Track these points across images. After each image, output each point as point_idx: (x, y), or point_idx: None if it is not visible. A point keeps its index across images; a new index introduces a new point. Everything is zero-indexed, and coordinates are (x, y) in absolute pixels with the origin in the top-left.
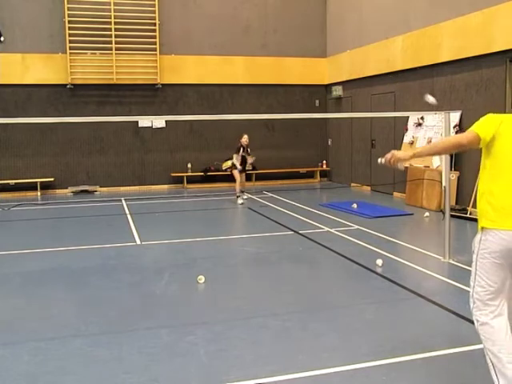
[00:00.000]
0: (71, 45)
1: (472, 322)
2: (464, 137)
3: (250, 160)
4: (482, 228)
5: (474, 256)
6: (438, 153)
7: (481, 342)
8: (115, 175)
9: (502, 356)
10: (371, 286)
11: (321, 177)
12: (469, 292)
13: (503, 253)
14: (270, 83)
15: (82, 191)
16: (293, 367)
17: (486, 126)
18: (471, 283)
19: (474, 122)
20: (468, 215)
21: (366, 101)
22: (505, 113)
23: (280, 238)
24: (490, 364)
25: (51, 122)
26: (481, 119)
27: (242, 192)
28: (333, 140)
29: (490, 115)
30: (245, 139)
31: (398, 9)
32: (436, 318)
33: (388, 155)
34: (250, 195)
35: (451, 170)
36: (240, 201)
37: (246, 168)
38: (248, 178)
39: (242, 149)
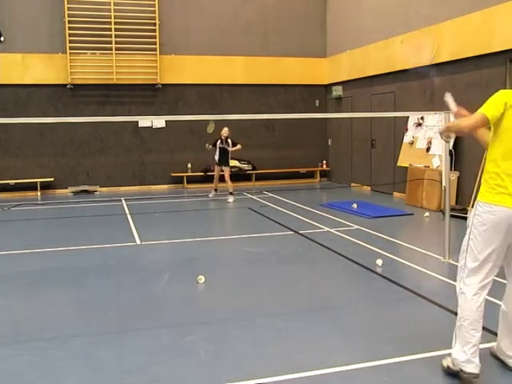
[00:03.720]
0: (71, 45)
1: None
2: (477, 119)
3: (234, 148)
4: (482, 202)
5: (468, 229)
6: (463, 132)
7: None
8: (115, 175)
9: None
10: (371, 286)
11: (321, 177)
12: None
13: (499, 225)
14: (270, 83)
15: (82, 191)
16: (293, 367)
17: (494, 105)
18: (463, 254)
19: None
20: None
21: (366, 101)
22: None
23: (280, 238)
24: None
25: (51, 122)
26: (490, 98)
27: (231, 194)
28: (333, 140)
29: (499, 93)
30: (224, 131)
31: (398, 9)
32: (436, 318)
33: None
34: (250, 195)
35: (451, 170)
36: (231, 199)
37: (229, 161)
38: (248, 177)
39: (219, 141)
